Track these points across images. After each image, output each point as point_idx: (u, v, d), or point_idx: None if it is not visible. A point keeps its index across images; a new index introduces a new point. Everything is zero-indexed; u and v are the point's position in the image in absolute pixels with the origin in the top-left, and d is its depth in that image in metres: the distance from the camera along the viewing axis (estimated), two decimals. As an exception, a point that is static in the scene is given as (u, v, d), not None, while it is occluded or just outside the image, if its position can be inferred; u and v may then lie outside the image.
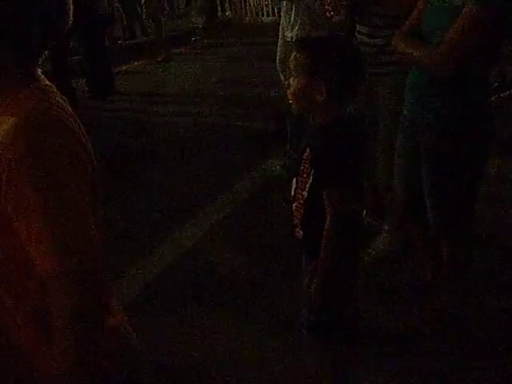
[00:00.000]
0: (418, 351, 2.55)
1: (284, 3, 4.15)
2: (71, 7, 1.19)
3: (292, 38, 4.08)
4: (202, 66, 8.81)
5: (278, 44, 4.68)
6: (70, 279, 1.09)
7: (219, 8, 13.34)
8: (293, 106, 2.00)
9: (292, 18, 4.05)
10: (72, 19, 1.19)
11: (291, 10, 4.04)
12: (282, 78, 4.77)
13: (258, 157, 4.88)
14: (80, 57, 7.28)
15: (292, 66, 1.92)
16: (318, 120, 1.96)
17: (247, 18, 12.88)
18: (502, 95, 5.75)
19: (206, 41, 10.77)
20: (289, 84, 1.93)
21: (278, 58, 4.74)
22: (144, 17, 10.91)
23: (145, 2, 9.10)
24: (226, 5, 13.78)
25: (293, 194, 2.05)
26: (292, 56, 1.92)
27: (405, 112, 2.50)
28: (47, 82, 1.21)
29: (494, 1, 2.11)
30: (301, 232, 2.05)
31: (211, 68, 8.56)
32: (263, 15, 12.58)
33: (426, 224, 2.58)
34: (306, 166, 1.95)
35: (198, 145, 5.30)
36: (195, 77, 8.02)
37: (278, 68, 4.83)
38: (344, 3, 2.83)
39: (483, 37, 2.13)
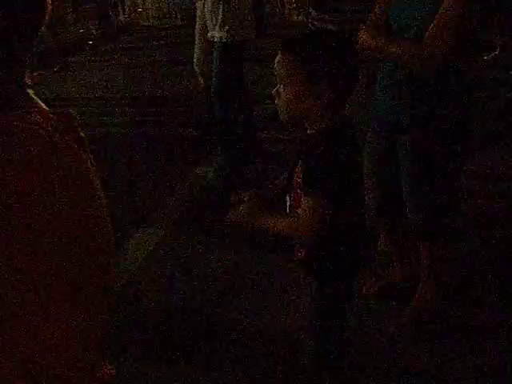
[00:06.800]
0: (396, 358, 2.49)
1: (209, 2, 3.94)
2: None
3: (221, 38, 3.90)
4: (103, 73, 8.30)
5: (196, 46, 4.53)
6: None
7: (110, 13, 12.87)
8: (281, 117, 1.76)
9: (219, 18, 3.86)
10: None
11: (218, 9, 3.86)
12: (201, 80, 4.64)
13: (184, 167, 4.54)
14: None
15: (281, 72, 1.70)
16: (313, 127, 1.74)
17: (145, 22, 12.53)
18: (485, 57, 5.92)
19: (103, 47, 10.27)
20: (277, 93, 1.73)
21: (195, 60, 4.60)
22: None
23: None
24: (119, 9, 13.35)
25: (288, 211, 1.85)
26: (278, 61, 1.72)
27: (378, 113, 2.33)
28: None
29: None
30: (302, 252, 1.85)
31: (113, 75, 8.09)
32: (164, 17, 12.28)
33: (398, 226, 2.55)
34: (299, 180, 1.73)
35: (113, 158, 4.77)
36: (97, 84, 7.55)
37: (196, 70, 4.68)
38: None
39: (471, 24, 1.98)
